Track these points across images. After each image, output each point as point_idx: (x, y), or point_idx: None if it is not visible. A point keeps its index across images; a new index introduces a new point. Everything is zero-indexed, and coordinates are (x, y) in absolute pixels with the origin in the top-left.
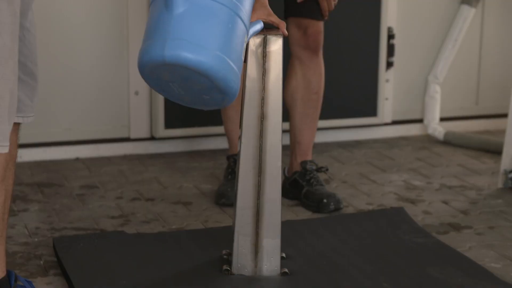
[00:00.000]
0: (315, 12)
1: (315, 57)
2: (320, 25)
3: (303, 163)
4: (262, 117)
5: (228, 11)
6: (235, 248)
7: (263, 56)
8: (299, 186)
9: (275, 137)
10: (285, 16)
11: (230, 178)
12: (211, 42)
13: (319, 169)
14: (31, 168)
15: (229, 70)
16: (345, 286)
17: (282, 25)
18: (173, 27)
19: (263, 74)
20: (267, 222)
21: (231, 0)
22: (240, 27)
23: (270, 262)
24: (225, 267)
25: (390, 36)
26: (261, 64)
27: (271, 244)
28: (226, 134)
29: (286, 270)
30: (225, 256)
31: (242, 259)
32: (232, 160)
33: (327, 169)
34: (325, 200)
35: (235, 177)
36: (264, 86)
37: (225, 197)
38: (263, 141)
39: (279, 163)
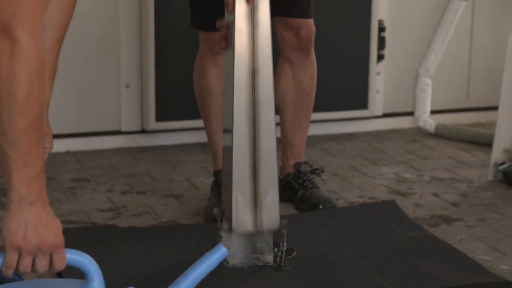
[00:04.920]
0: (306, 9)
1: (307, 58)
2: (312, 23)
3: (297, 164)
4: (253, 71)
5: None
6: (234, 204)
7: (252, 11)
8: (293, 188)
9: (267, 91)
10: (271, 15)
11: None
12: None
13: (313, 171)
14: None
15: None
16: (337, 280)
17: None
18: None
19: (252, 29)
20: (264, 175)
21: None
22: None
23: (270, 215)
24: (225, 225)
25: (381, 29)
26: (250, 19)
27: (270, 196)
28: (210, 149)
29: (285, 222)
30: (217, 216)
31: (241, 214)
32: (217, 212)
33: (322, 171)
34: (321, 206)
35: None
36: (254, 41)
37: None
38: (256, 95)
39: (273, 116)
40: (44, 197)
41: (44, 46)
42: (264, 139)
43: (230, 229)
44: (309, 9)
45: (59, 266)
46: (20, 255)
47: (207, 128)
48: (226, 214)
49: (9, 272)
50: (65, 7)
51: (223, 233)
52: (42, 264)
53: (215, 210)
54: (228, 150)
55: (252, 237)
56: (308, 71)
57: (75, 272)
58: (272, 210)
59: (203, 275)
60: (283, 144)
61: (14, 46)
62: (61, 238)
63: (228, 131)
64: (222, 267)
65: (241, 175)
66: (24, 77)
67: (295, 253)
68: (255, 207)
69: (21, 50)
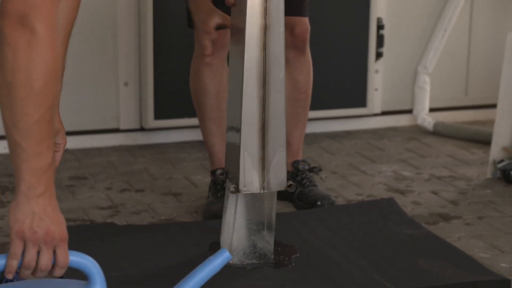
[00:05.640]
0: (300, 7)
1: (302, 56)
2: (307, 21)
3: (295, 163)
4: (265, 28)
5: None
6: (241, 165)
7: None
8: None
9: (278, 48)
10: None
11: (220, 195)
12: None
13: (311, 169)
14: None
15: None
16: (335, 278)
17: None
18: None
19: None
20: (272, 135)
21: None
22: None
23: (277, 176)
24: (232, 186)
25: (380, 27)
26: None
27: (278, 157)
28: (207, 149)
29: (291, 182)
30: (221, 176)
31: (249, 175)
32: (220, 173)
33: (320, 169)
34: (319, 203)
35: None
36: None
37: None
38: (267, 53)
39: (282, 74)
40: (52, 190)
41: (59, 39)
42: (273, 98)
43: (237, 190)
44: (304, 7)
45: (62, 262)
46: (25, 246)
47: (202, 127)
48: (230, 176)
49: (14, 264)
50: (71, 5)
51: (229, 194)
52: (45, 258)
53: (218, 171)
54: (236, 123)
55: (252, 236)
56: (304, 69)
57: (72, 273)
58: (279, 171)
59: (206, 279)
60: None
61: (32, 37)
62: (65, 233)
63: (234, 129)
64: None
65: (249, 135)
66: (41, 67)
67: (298, 254)
68: (263, 167)
69: (38, 41)
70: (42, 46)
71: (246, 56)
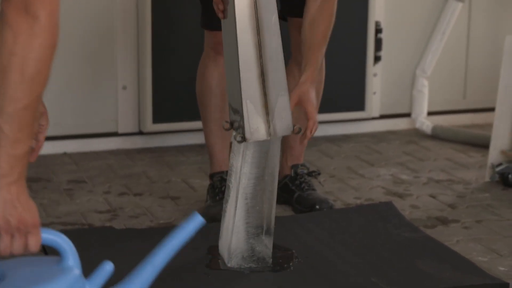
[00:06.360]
0: None
1: None
2: None
3: (294, 167)
4: None
5: None
6: (245, 114)
7: None
8: (290, 191)
9: None
10: (283, 15)
11: (218, 198)
12: None
13: (310, 173)
14: None
15: None
16: (334, 281)
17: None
18: None
19: None
20: (272, 80)
21: None
22: None
23: (282, 120)
24: (238, 136)
25: (378, 30)
26: None
27: (281, 101)
28: (208, 150)
29: (299, 126)
30: (225, 128)
31: (254, 123)
32: (218, 178)
33: (319, 173)
34: (317, 206)
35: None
36: None
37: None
38: None
39: (276, 19)
40: (24, 180)
41: (59, 27)
42: (269, 43)
43: (243, 139)
44: None
45: (34, 246)
46: None
47: (205, 128)
48: (235, 126)
49: None
50: None
51: (236, 144)
52: (18, 244)
53: (224, 123)
54: (235, 74)
55: (250, 240)
56: (318, 78)
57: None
58: (284, 115)
59: (179, 245)
60: (283, 145)
61: (34, 23)
62: (37, 219)
63: (234, 79)
64: (219, 269)
65: (249, 82)
66: (37, 54)
67: (297, 259)
68: (267, 114)
69: (40, 28)
70: (43, 33)
71: (236, 3)
